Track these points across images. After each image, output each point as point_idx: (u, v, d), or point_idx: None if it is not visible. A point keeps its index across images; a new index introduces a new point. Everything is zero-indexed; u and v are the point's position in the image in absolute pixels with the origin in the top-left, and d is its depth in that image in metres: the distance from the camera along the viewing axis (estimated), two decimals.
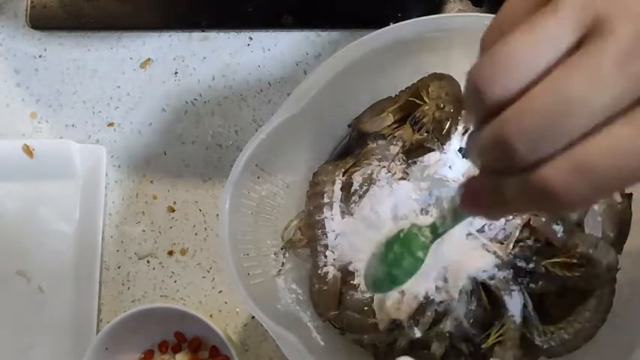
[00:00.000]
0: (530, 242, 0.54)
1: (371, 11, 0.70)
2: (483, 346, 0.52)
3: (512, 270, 0.53)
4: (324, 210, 0.57)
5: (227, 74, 0.71)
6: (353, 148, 0.61)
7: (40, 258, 0.68)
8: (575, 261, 0.52)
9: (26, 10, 0.73)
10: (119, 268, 0.68)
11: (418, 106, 0.57)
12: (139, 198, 0.69)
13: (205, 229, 0.68)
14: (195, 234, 0.68)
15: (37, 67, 0.73)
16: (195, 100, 0.71)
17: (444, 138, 0.55)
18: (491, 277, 0.53)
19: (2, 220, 0.69)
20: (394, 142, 0.58)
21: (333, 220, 0.57)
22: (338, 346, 0.58)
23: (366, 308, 0.55)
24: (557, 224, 0.53)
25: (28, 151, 0.68)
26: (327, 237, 0.57)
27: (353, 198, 0.57)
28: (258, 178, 0.57)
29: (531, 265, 0.53)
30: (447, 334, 0.53)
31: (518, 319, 0.52)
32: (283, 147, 0.57)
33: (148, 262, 0.68)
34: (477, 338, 0.53)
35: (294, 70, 0.70)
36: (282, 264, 0.59)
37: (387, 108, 0.59)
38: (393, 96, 0.60)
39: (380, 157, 0.58)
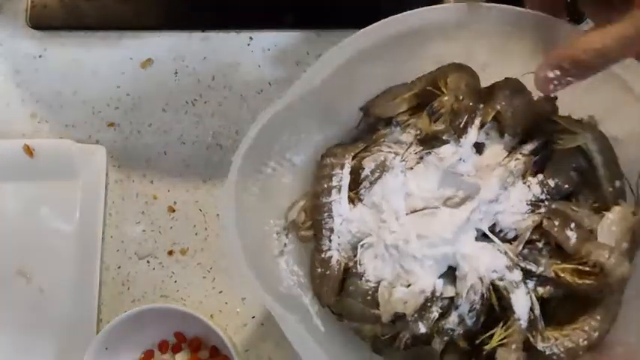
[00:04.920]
0: (540, 244, 0.53)
1: (371, 11, 0.69)
2: (487, 347, 0.52)
3: (521, 272, 0.53)
4: (332, 193, 0.55)
5: (227, 74, 0.71)
6: (364, 132, 0.59)
7: (40, 258, 0.68)
8: (587, 269, 0.51)
9: (26, 10, 0.73)
10: (119, 268, 0.68)
11: (434, 95, 0.55)
12: (139, 198, 0.69)
13: (205, 229, 0.68)
14: (196, 234, 0.68)
15: (37, 67, 0.73)
16: (195, 100, 0.71)
17: (460, 131, 0.54)
18: (501, 278, 0.52)
19: (2, 220, 0.69)
20: (407, 130, 0.56)
21: (341, 204, 0.55)
22: (337, 333, 0.57)
23: (369, 298, 0.54)
24: (571, 230, 0.52)
25: (28, 151, 0.68)
26: (333, 220, 0.55)
27: (363, 184, 0.55)
28: (265, 156, 0.55)
29: (541, 269, 0.52)
30: (449, 331, 0.53)
31: (524, 322, 0.51)
32: (293, 125, 0.55)
33: (148, 262, 0.68)
34: (479, 337, 0.53)
35: (294, 70, 0.70)
36: (285, 245, 0.57)
37: (401, 94, 0.56)
38: (408, 82, 0.58)
39: (391, 143, 0.57)
